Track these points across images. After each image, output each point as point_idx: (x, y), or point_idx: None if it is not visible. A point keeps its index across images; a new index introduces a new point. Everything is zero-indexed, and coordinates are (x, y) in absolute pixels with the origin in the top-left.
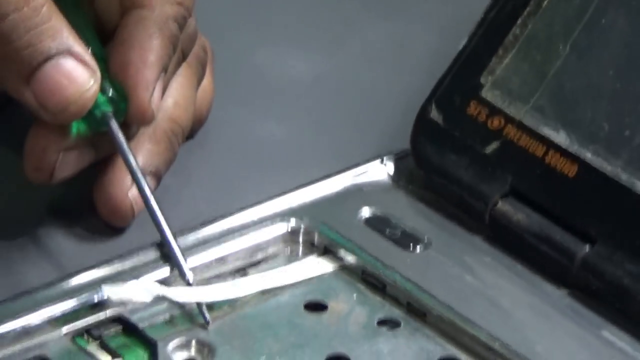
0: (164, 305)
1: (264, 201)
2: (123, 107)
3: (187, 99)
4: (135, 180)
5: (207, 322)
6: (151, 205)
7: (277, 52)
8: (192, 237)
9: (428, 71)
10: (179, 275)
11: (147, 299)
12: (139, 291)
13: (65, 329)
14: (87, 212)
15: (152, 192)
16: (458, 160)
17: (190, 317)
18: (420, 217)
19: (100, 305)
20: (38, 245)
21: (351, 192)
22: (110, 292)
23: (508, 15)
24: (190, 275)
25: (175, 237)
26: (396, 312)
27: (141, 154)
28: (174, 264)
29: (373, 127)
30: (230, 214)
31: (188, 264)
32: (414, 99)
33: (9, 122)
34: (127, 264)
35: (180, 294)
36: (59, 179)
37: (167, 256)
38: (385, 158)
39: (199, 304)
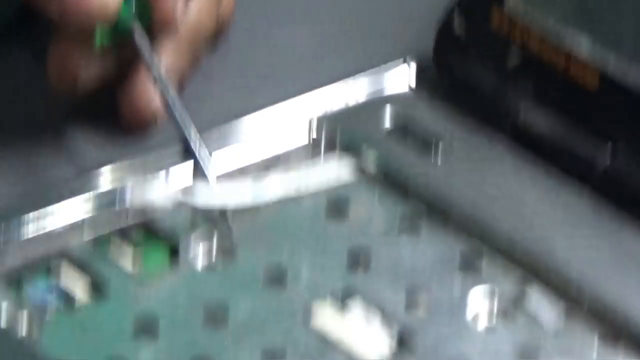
0: (186, 209)
1: (285, 102)
2: (147, 15)
3: (210, 5)
4: (160, 86)
5: (231, 230)
6: (177, 109)
7: None
8: (211, 136)
9: None
10: (201, 176)
11: (169, 204)
12: (161, 197)
13: (87, 233)
14: (111, 118)
15: (177, 98)
16: (480, 71)
17: (211, 221)
18: (442, 124)
19: (123, 210)
20: (60, 146)
21: (373, 98)
22: (133, 196)
23: None
24: (212, 177)
25: (200, 138)
26: (418, 215)
27: (165, 61)
28: (197, 165)
29: (395, 32)
30: (252, 114)
31: (210, 164)
32: (437, 3)
33: (35, 31)
34: (150, 161)
35: (202, 199)
36: (83, 89)
37: (189, 153)
38: (408, 58)
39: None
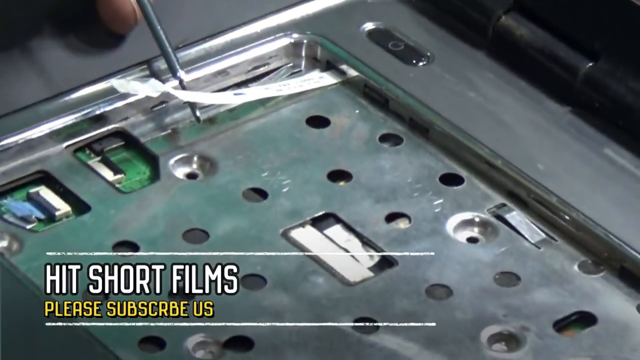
0: (165, 119)
1: (266, 15)
2: None
3: None
4: None
5: (198, 120)
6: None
7: None
8: (193, 51)
9: None
10: (170, 73)
11: (153, 94)
12: (145, 86)
13: (66, 143)
14: (89, 22)
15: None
16: None
17: (191, 131)
18: (424, 32)
19: (102, 119)
20: (39, 59)
21: (354, 5)
22: (118, 84)
23: None
24: (182, 73)
25: (174, 46)
26: (398, 128)
27: None
28: (167, 63)
29: None
30: (232, 28)
31: (189, 76)
32: None
33: None
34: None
35: (184, 94)
36: None
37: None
38: None
39: (191, 104)
